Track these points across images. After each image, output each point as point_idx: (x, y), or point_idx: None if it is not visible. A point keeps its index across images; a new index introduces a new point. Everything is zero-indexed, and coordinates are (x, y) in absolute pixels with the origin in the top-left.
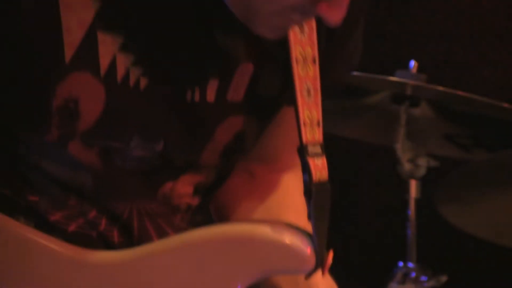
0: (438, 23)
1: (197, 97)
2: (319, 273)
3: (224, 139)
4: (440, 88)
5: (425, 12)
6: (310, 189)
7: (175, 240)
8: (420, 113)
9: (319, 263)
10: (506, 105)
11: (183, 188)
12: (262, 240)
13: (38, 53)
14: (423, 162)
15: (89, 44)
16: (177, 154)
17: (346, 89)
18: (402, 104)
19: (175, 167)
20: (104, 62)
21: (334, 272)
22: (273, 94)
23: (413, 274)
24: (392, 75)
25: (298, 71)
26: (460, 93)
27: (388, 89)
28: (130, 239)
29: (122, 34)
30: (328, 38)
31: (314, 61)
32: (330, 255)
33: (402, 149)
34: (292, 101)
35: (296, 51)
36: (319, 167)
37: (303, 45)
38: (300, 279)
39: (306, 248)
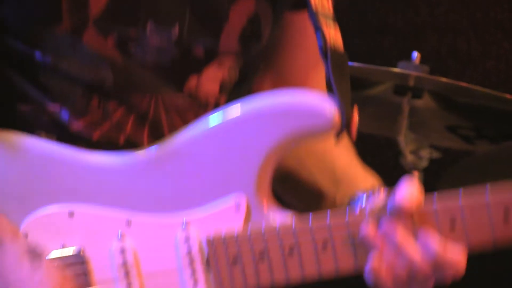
0: (441, 15)
1: None
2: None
3: (239, 22)
4: (443, 79)
5: (428, 4)
6: (325, 49)
7: (200, 125)
8: (423, 104)
9: (345, 123)
10: (508, 96)
11: (208, 85)
12: (287, 104)
13: None
14: (425, 153)
15: None
16: (194, 40)
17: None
18: (404, 96)
19: (196, 59)
20: None
21: None
22: None
23: None
24: (395, 66)
25: None
26: (463, 84)
27: (390, 80)
28: (160, 139)
29: None
30: None
31: None
32: (355, 112)
33: (405, 141)
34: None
35: None
36: (332, 34)
37: None
38: (326, 157)
39: (328, 104)
